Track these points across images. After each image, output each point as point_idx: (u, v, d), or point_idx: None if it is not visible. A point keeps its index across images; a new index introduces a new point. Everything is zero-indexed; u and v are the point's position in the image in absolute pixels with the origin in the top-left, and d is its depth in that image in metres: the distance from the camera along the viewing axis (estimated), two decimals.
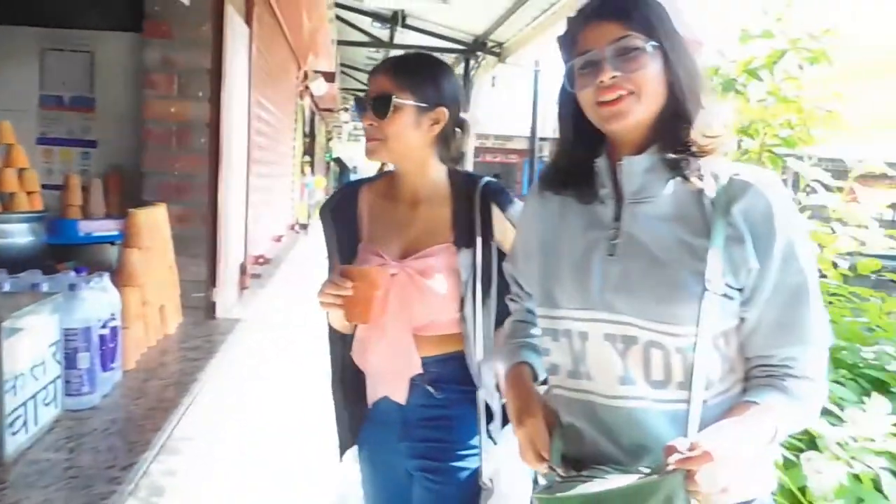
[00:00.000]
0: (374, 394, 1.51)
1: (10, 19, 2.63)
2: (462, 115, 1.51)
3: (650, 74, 0.99)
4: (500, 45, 6.79)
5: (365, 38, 7.36)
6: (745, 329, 1.00)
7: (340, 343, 1.53)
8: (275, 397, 3.45)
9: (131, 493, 1.14)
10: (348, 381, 1.54)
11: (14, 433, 1.23)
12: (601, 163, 1.06)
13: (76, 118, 2.71)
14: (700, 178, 1.00)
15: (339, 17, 5.91)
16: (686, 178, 1.00)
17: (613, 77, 0.98)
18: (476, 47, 7.12)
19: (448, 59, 8.25)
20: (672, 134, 1.01)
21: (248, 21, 2.80)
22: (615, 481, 0.91)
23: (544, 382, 1.17)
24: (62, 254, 2.36)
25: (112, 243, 2.48)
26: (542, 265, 1.11)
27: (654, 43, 0.99)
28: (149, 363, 1.80)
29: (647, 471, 0.91)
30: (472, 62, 7.51)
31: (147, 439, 1.31)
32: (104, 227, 2.49)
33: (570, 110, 1.08)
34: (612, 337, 1.00)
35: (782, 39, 2.54)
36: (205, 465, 1.94)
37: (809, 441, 1.75)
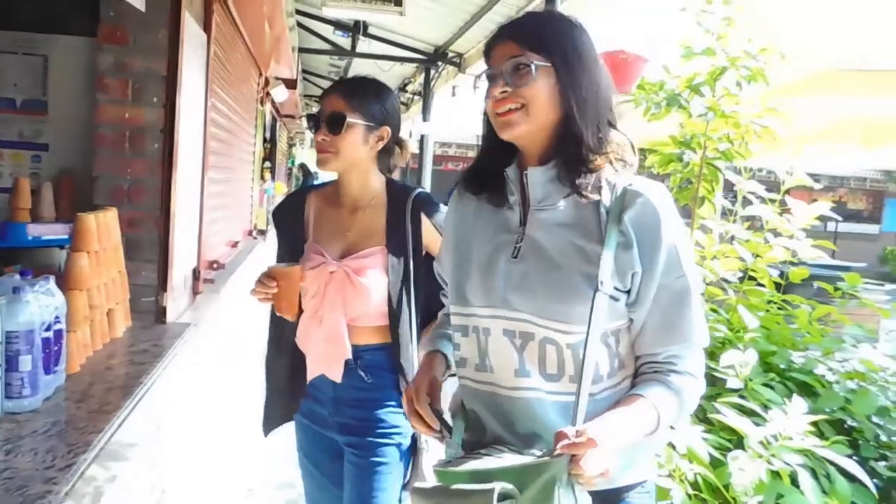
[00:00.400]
0: (312, 371, 1.71)
1: None
2: (400, 134, 1.76)
3: (538, 90, 1.07)
4: (459, 55, 6.87)
5: (327, 46, 7.36)
6: (634, 329, 1.09)
7: (287, 328, 1.73)
8: (224, 401, 3.43)
9: (68, 493, 1.14)
10: (283, 363, 1.76)
11: None
12: (511, 172, 1.15)
13: (28, 121, 2.67)
14: (596, 189, 1.07)
15: (300, 25, 5.91)
16: (580, 193, 1.07)
17: (503, 91, 1.09)
18: (436, 57, 7.20)
19: (409, 68, 8.31)
20: (566, 148, 1.09)
21: (206, 27, 2.79)
22: (507, 460, 0.99)
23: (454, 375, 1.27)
24: (10, 257, 2.32)
25: (61, 247, 2.44)
26: (454, 264, 1.20)
27: (544, 63, 1.07)
28: (94, 367, 1.78)
29: (539, 454, 0.99)
30: (432, 72, 7.57)
31: (87, 441, 1.31)
32: (53, 231, 2.46)
33: (488, 121, 1.17)
34: (510, 333, 1.09)
35: (722, 57, 2.65)
36: (150, 472, 1.93)
37: (738, 441, 1.83)
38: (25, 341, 1.43)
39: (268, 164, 7.86)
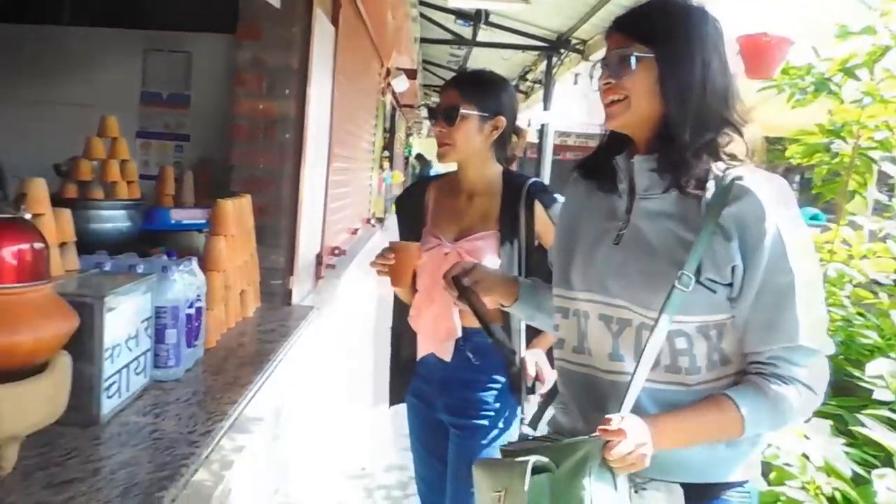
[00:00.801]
0: (422, 349, 1.80)
1: (118, 23, 2.88)
2: (517, 123, 1.82)
3: (638, 83, 1.09)
4: (583, 42, 6.74)
5: (448, 36, 7.46)
6: (737, 325, 1.07)
7: (403, 309, 1.86)
8: (340, 381, 3.60)
9: (206, 457, 1.26)
10: (405, 340, 1.86)
11: (109, 397, 1.39)
12: (620, 159, 1.16)
13: (172, 114, 2.93)
14: (698, 184, 1.07)
15: (422, 15, 6.04)
16: (679, 188, 1.07)
17: (607, 83, 1.12)
18: (559, 45, 7.09)
19: (530, 56, 8.26)
20: (667, 142, 1.09)
21: (335, 21, 2.94)
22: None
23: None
24: (155, 239, 2.57)
25: (200, 231, 2.68)
26: (561, 247, 1.24)
27: (646, 55, 1.07)
28: (228, 343, 1.95)
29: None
30: (554, 59, 7.48)
31: (223, 411, 1.44)
32: (193, 216, 2.70)
33: None
34: (607, 318, 1.12)
35: (885, 35, 2.43)
36: (272, 445, 2.08)
37: (886, 458, 1.70)
38: (171, 316, 1.60)
39: (386, 153, 8.13)
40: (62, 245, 1.62)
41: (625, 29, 1.12)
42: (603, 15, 5.52)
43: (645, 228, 1.11)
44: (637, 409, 1.05)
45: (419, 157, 16.84)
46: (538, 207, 1.73)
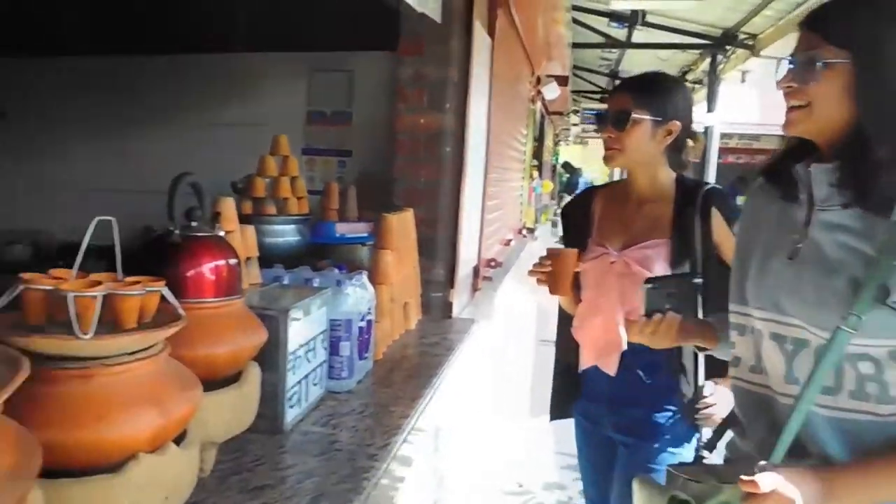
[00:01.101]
0: (585, 361, 1.77)
1: (285, 47, 3.10)
2: (693, 126, 1.76)
3: (825, 90, 0.99)
4: (753, 36, 6.33)
5: (599, 39, 7.32)
6: None
7: (566, 320, 1.84)
8: (498, 395, 3.61)
9: (385, 470, 1.30)
10: (568, 352, 1.84)
11: (291, 406, 1.47)
12: (800, 167, 1.07)
13: (335, 131, 3.11)
14: (885, 204, 0.96)
15: (574, 20, 5.97)
16: (866, 201, 0.97)
17: (789, 87, 1.03)
18: (725, 41, 6.71)
19: (691, 55, 7.89)
20: (852, 153, 0.99)
21: (491, 32, 2.97)
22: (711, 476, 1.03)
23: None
24: (321, 252, 2.72)
25: (363, 244, 2.81)
26: (738, 259, 1.18)
27: (838, 60, 0.97)
28: (394, 355, 2.01)
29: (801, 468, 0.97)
30: (719, 57, 7.08)
31: (397, 425, 1.48)
32: (357, 230, 2.83)
33: None
34: (780, 338, 1.04)
35: None
36: (434, 457, 2.12)
37: None
38: (345, 329, 1.67)
39: (535, 162, 8.10)
40: (247, 260, 1.75)
41: (816, 28, 1.02)
42: (779, 6, 5.15)
43: (822, 241, 1.02)
44: (815, 442, 0.98)
45: (566, 165, 16.65)
46: (716, 216, 1.63)
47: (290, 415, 1.46)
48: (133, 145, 3.35)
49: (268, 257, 2.04)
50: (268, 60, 3.15)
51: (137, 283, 0.97)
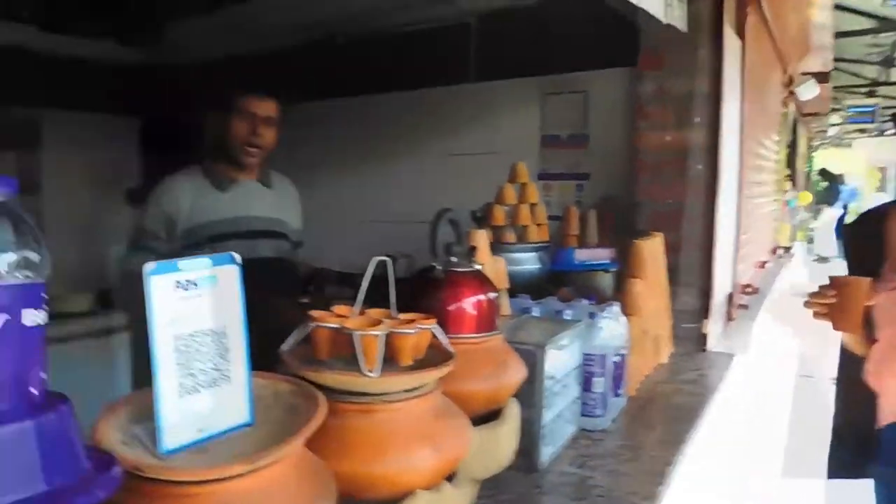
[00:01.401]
0: (886, 416, 1.57)
1: (517, 73, 3.17)
2: None
3: None
4: None
5: (870, 24, 6.47)
6: None
7: (852, 362, 1.63)
8: (761, 440, 3.28)
9: None
10: (856, 401, 1.63)
11: (545, 445, 1.45)
12: None
13: (571, 154, 3.09)
14: None
15: (836, 6, 5.35)
16: None
17: None
18: None
19: None
20: None
21: (740, 34, 2.76)
22: None
23: None
24: (560, 279, 2.70)
25: (605, 271, 2.75)
26: None
27: None
28: (648, 392, 1.92)
29: None
30: None
31: (662, 472, 1.40)
32: (597, 256, 2.77)
33: None
34: None
35: None
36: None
37: None
38: (599, 364, 1.63)
39: (788, 171, 7.37)
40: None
41: None
42: None
43: None
44: None
45: (824, 172, 14.91)
46: None
47: (546, 453, 1.45)
48: (375, 178, 3.65)
49: (510, 286, 2.06)
50: (500, 88, 3.25)
51: (412, 321, 1.02)
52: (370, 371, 0.92)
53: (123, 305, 3.28)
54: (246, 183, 2.23)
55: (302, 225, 2.46)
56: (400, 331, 0.97)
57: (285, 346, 1.02)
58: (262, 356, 1.00)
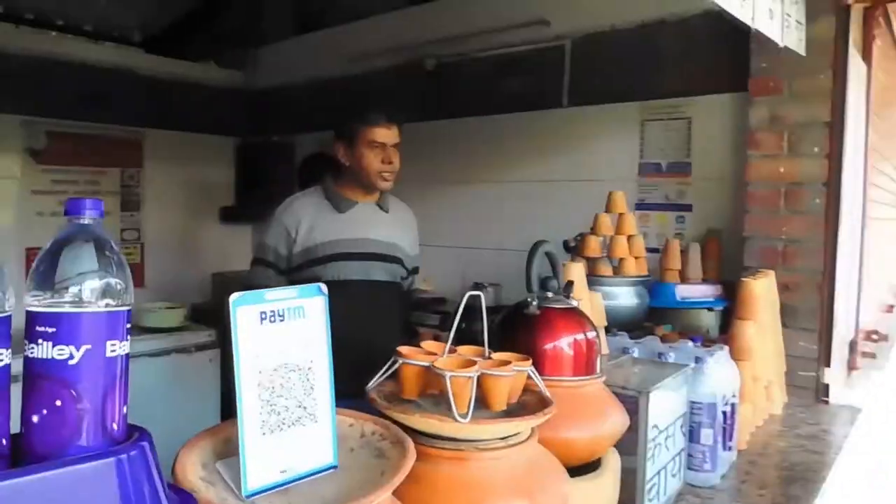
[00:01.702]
0: None
1: (615, 98, 3.08)
2: None
3: None
4: None
5: None
6: None
7: None
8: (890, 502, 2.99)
9: None
10: None
11: (650, 500, 1.35)
12: None
13: (672, 183, 2.96)
14: None
15: None
16: None
17: None
18: None
19: None
20: None
21: (866, 56, 2.58)
22: None
23: None
24: (658, 316, 2.57)
25: (709, 309, 2.59)
26: None
27: None
28: (760, 446, 1.76)
29: None
30: None
31: None
32: (701, 293, 2.62)
33: None
34: None
35: None
36: None
37: None
38: (707, 413, 1.51)
39: None
40: None
41: None
42: None
43: None
44: None
45: None
46: None
47: None
48: (461, 204, 3.63)
49: (606, 322, 1.96)
50: (595, 113, 3.17)
51: (507, 362, 0.96)
52: (462, 416, 0.86)
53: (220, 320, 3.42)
54: (365, 206, 2.29)
55: (418, 251, 2.47)
56: (494, 372, 0.91)
57: (372, 384, 0.98)
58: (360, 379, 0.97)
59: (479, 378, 0.90)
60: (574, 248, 2.51)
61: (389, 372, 0.98)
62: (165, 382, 3.41)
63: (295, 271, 2.21)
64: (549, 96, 3.30)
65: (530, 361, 0.99)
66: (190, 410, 3.31)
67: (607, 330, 1.87)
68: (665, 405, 1.38)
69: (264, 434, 0.78)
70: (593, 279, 2.31)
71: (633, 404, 1.29)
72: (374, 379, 0.98)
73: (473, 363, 0.92)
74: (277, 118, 4.61)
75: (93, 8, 4.30)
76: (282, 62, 4.57)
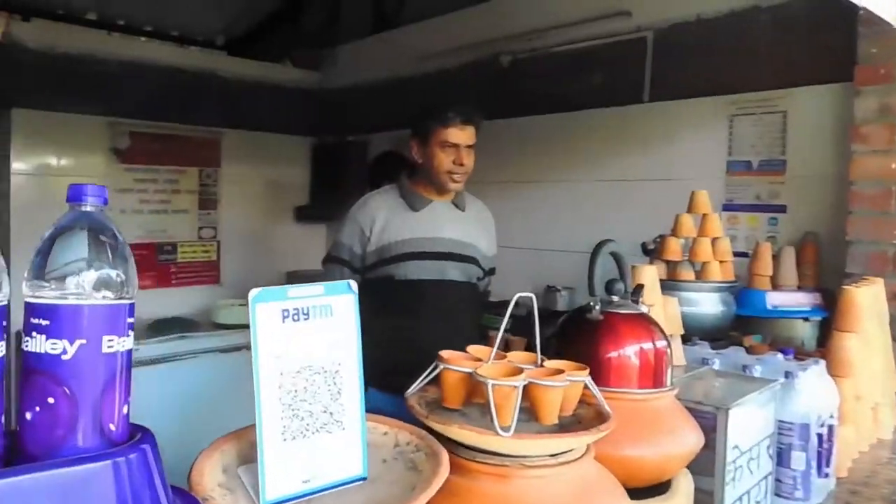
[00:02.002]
0: None
1: (702, 91, 2.91)
2: None
3: None
4: None
5: None
6: None
7: None
8: None
9: None
10: None
11: None
12: None
13: (764, 182, 2.77)
14: None
15: None
16: None
17: None
18: None
19: None
20: None
21: None
22: None
23: None
24: (746, 326, 2.40)
25: (805, 319, 2.40)
26: None
27: None
28: (862, 474, 1.59)
29: None
30: None
31: None
32: (795, 301, 2.44)
33: None
34: None
35: None
36: None
37: None
38: (800, 435, 1.36)
39: None
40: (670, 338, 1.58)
41: None
42: None
43: None
44: None
45: None
46: None
47: None
48: (537, 203, 3.53)
49: (685, 330, 1.83)
50: (678, 108, 3.01)
51: (559, 371, 0.88)
52: (504, 429, 0.78)
53: None
54: (440, 204, 2.26)
55: (495, 251, 2.42)
56: (543, 382, 0.83)
57: (412, 389, 0.91)
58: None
59: (526, 388, 0.82)
60: (652, 251, 2.39)
61: (430, 377, 0.91)
62: (237, 377, 3.47)
63: (369, 270, 2.20)
64: (629, 91, 3.16)
65: (587, 371, 0.90)
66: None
67: (686, 339, 1.74)
68: (748, 424, 1.25)
69: (285, 440, 0.73)
70: (672, 283, 2.18)
71: (710, 421, 1.18)
72: (415, 385, 0.91)
73: (521, 371, 0.84)
74: (352, 118, 4.64)
75: (182, 14, 4.46)
76: (356, 62, 4.60)
